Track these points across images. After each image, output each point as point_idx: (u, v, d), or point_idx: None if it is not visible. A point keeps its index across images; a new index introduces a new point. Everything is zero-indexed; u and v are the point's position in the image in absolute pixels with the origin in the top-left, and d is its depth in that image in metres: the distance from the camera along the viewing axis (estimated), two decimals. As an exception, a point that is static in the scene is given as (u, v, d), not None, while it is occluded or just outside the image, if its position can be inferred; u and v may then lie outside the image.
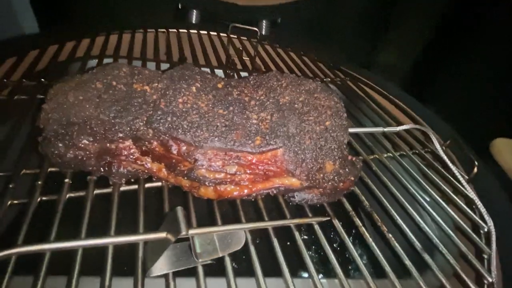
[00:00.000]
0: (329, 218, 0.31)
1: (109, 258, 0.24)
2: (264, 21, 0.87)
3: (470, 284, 0.27)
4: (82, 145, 0.28)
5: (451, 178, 0.39)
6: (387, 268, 0.27)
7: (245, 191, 0.28)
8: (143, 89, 0.30)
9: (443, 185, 0.37)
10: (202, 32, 0.70)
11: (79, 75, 0.31)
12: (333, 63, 0.67)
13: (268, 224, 0.28)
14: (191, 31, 0.69)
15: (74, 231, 0.25)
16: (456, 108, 0.70)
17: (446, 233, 0.32)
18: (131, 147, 0.29)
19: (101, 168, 0.29)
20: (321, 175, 0.28)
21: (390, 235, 0.30)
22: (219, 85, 0.32)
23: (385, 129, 0.34)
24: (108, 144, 0.28)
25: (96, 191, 0.29)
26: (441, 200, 0.36)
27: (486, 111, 0.65)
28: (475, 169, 0.39)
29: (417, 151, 0.43)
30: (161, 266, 0.23)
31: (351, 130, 0.33)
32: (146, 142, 0.28)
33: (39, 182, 0.29)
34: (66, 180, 0.30)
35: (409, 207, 0.34)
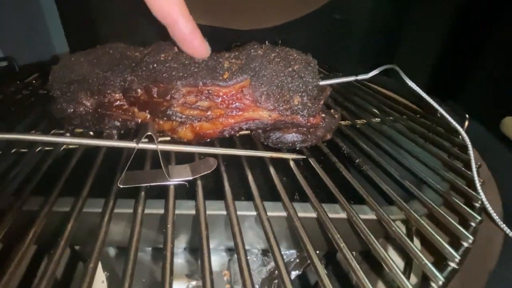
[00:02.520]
0: (304, 157, 0.31)
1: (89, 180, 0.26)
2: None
3: (462, 205, 0.25)
4: (81, 100, 0.32)
5: (442, 131, 0.38)
6: (365, 195, 0.26)
7: (219, 127, 0.30)
8: (134, 55, 0.35)
9: (436, 137, 0.37)
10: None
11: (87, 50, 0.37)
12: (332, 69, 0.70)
13: (242, 152, 0.29)
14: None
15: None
16: (468, 90, 0.69)
17: (434, 170, 0.30)
18: (121, 99, 0.33)
19: (96, 121, 0.33)
20: (289, 106, 0.29)
21: (368, 167, 0.30)
22: None
23: (358, 77, 0.35)
24: (101, 98, 0.32)
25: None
26: (431, 146, 0.35)
27: (497, 92, 0.64)
28: (466, 122, 0.38)
29: (406, 117, 0.43)
30: (133, 179, 0.25)
31: (322, 82, 0.35)
32: (133, 92, 0.31)
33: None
34: (67, 135, 0.34)
35: (395, 153, 0.33)
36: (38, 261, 0.28)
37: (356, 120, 0.41)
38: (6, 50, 0.60)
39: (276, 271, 0.31)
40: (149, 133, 0.23)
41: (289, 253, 0.35)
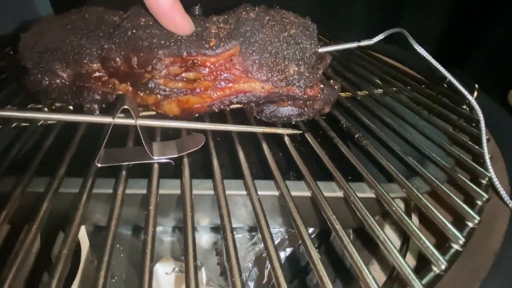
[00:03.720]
0: (300, 132, 0.29)
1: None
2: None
3: (467, 182, 0.24)
4: (56, 71, 0.30)
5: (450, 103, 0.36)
6: (363, 172, 0.25)
7: (207, 101, 0.28)
8: (112, 19, 0.31)
9: (441, 108, 0.34)
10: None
11: (60, 15, 0.33)
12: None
13: (232, 128, 0.26)
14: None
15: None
16: (475, 59, 0.66)
17: (439, 145, 0.28)
18: (99, 70, 0.30)
19: (74, 95, 0.30)
20: (283, 76, 0.27)
21: (368, 142, 0.27)
22: None
23: (361, 43, 0.32)
24: (78, 68, 0.30)
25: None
26: (436, 119, 0.32)
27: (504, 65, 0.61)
28: (475, 93, 0.35)
29: (410, 87, 0.40)
30: (113, 157, 0.23)
31: (322, 49, 0.32)
32: (112, 62, 0.28)
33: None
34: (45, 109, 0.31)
35: (397, 126, 0.31)
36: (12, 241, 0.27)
37: (357, 92, 0.38)
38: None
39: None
40: (126, 106, 0.21)
41: (282, 230, 0.35)
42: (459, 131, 0.31)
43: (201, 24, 0.29)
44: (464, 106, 0.36)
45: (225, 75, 0.27)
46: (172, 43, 0.27)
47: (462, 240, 0.19)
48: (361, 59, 0.48)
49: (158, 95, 0.28)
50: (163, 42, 0.27)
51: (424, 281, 0.17)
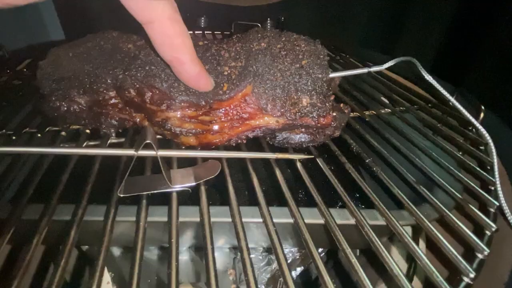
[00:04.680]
0: (312, 157, 0.30)
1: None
2: (268, 20, 0.91)
3: (476, 211, 0.24)
4: (73, 98, 0.30)
5: (456, 124, 0.36)
6: (375, 200, 0.25)
7: (225, 137, 0.28)
8: (127, 47, 0.32)
9: (448, 130, 0.35)
10: (206, 32, 0.74)
11: (75, 41, 0.34)
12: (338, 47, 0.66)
13: (246, 155, 0.27)
14: (196, 32, 0.74)
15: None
16: (480, 80, 0.66)
17: (447, 170, 0.29)
18: (116, 97, 0.31)
19: (92, 120, 0.31)
20: (297, 109, 0.27)
21: (379, 169, 0.28)
22: (200, 43, 0.33)
23: (371, 69, 0.33)
24: (95, 96, 0.30)
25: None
26: (443, 143, 0.33)
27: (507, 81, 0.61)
28: (482, 114, 0.36)
29: (417, 107, 0.41)
30: (133, 186, 0.24)
31: (333, 74, 0.32)
32: (126, 92, 0.29)
33: (39, 135, 0.32)
34: (62, 133, 0.32)
35: (405, 150, 0.32)
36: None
37: (365, 112, 0.39)
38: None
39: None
40: (148, 141, 0.22)
41: (293, 250, 0.35)
42: (466, 154, 0.32)
43: (213, 66, 0.29)
44: (471, 127, 0.36)
45: (240, 114, 0.28)
46: (191, 93, 0.27)
47: (473, 274, 0.19)
48: (367, 76, 0.49)
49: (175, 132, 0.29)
50: (182, 89, 0.27)
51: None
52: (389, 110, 0.40)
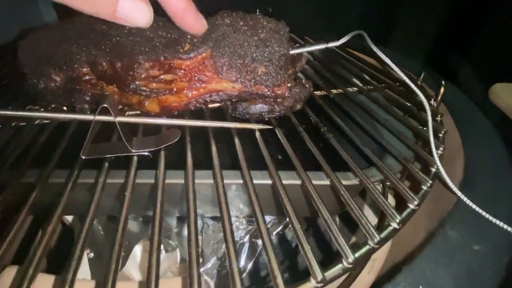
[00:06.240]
0: (271, 127, 0.31)
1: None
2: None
3: (416, 170, 0.26)
4: (50, 75, 0.33)
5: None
6: (322, 162, 0.27)
7: (184, 100, 0.30)
8: (100, 27, 0.34)
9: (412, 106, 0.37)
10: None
11: (54, 22, 0.36)
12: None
13: (207, 124, 0.29)
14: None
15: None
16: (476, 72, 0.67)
17: (403, 140, 0.30)
18: (89, 74, 0.33)
19: (67, 97, 0.34)
20: (252, 76, 0.29)
21: (332, 135, 0.30)
22: None
23: (328, 45, 0.34)
24: (70, 73, 0.33)
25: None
26: (401, 113, 0.35)
27: (485, 61, 0.62)
28: (442, 89, 0.37)
29: (385, 85, 0.42)
30: (97, 151, 0.26)
31: (293, 51, 0.34)
32: (99, 66, 0.31)
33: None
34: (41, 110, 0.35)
35: (362, 121, 0.33)
36: None
37: (332, 90, 0.40)
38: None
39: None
40: (105, 105, 0.24)
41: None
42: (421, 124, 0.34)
43: (180, 30, 0.31)
44: (432, 102, 0.38)
45: (199, 76, 0.30)
46: (151, 49, 0.29)
47: (398, 219, 0.21)
48: (343, 59, 0.51)
49: (141, 96, 0.31)
50: (143, 48, 0.29)
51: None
52: (356, 89, 0.41)
